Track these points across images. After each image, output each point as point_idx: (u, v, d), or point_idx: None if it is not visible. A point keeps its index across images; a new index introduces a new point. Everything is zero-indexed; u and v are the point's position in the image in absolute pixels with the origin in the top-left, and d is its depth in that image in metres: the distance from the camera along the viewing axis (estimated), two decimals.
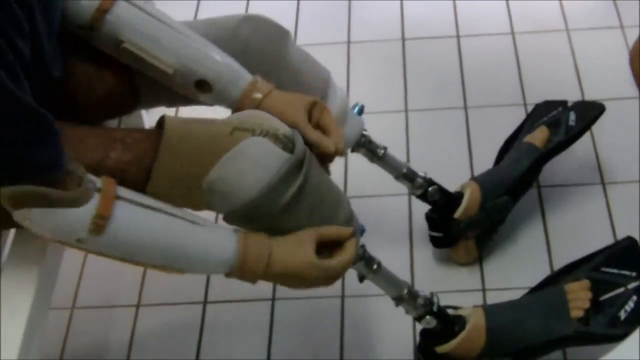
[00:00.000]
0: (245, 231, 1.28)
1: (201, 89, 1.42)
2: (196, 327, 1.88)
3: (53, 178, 1.11)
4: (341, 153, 1.39)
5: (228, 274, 1.28)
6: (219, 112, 1.42)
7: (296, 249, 1.27)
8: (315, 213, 1.31)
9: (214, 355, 1.83)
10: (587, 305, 1.64)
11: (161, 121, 1.28)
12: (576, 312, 1.63)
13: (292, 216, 1.29)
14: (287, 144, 1.28)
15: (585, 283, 1.68)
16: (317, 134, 1.37)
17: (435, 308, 1.59)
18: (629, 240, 1.77)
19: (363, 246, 1.48)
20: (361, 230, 1.44)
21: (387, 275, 1.55)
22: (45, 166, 1.10)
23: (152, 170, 1.24)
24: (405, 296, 1.56)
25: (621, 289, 1.67)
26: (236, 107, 1.41)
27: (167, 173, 1.25)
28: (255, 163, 1.24)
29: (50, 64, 1.31)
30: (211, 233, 1.26)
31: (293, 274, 1.28)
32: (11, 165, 1.08)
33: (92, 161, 1.23)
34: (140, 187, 1.25)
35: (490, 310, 1.67)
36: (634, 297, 1.64)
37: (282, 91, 1.42)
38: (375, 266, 1.51)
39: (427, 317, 1.58)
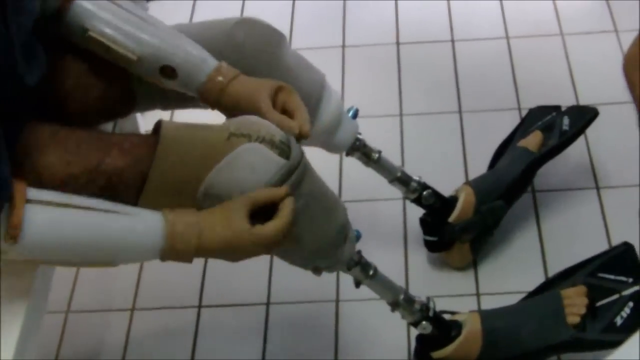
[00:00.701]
0: (172, 213, 1.23)
1: (166, 75, 1.40)
2: (191, 331, 1.87)
3: None
4: (307, 135, 1.36)
5: (162, 258, 1.24)
6: (215, 117, 1.41)
7: (226, 219, 1.23)
8: (309, 218, 1.31)
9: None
10: (583, 311, 1.64)
11: (157, 126, 1.28)
12: (572, 318, 1.63)
13: None
14: (283, 150, 1.27)
15: (582, 289, 1.68)
16: (279, 117, 1.35)
17: (431, 313, 1.59)
18: (626, 246, 1.77)
19: (359, 252, 1.48)
20: (357, 237, 1.44)
21: (383, 281, 1.55)
22: None
23: (148, 176, 1.24)
24: (402, 301, 1.56)
25: (617, 295, 1.67)
26: (202, 93, 1.40)
27: (162, 178, 1.24)
28: (251, 169, 1.24)
29: (23, 70, 1.27)
30: (134, 219, 1.22)
31: (227, 247, 1.24)
32: None
33: (88, 165, 1.23)
34: (135, 192, 1.25)
35: (486, 315, 1.67)
36: (630, 303, 1.64)
37: (248, 77, 1.41)
38: (371, 272, 1.51)
39: (423, 322, 1.58)
